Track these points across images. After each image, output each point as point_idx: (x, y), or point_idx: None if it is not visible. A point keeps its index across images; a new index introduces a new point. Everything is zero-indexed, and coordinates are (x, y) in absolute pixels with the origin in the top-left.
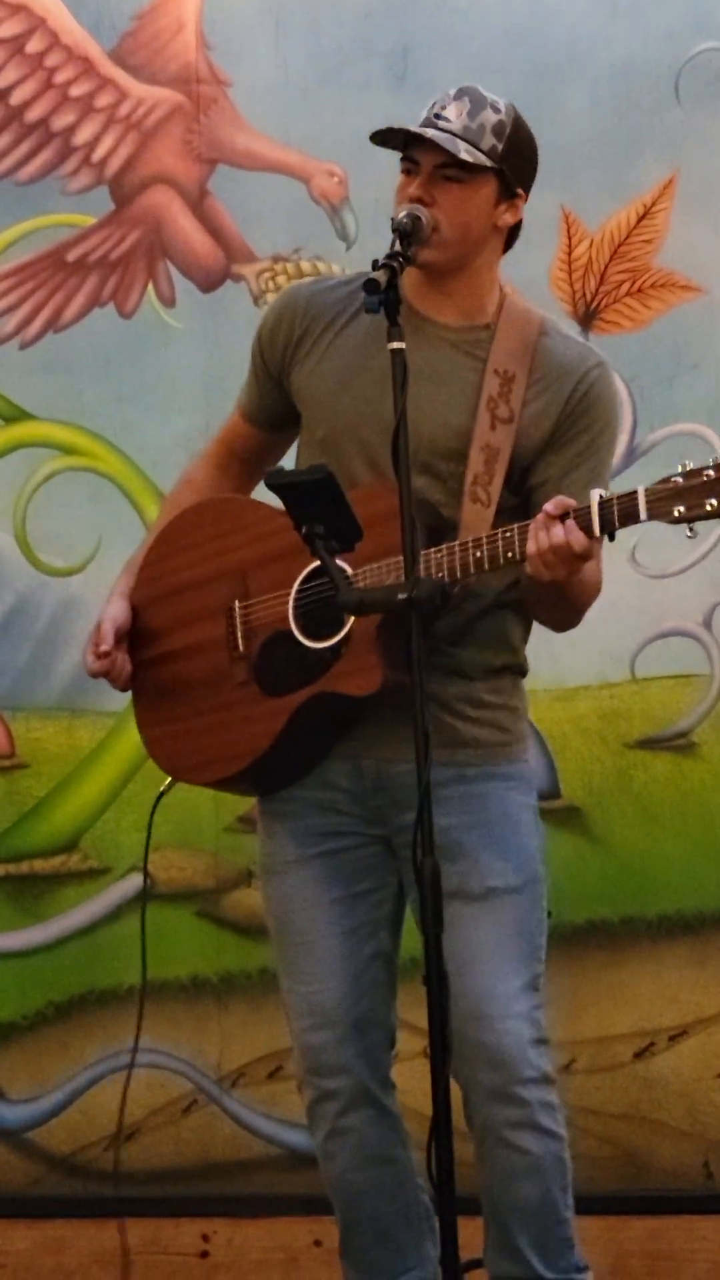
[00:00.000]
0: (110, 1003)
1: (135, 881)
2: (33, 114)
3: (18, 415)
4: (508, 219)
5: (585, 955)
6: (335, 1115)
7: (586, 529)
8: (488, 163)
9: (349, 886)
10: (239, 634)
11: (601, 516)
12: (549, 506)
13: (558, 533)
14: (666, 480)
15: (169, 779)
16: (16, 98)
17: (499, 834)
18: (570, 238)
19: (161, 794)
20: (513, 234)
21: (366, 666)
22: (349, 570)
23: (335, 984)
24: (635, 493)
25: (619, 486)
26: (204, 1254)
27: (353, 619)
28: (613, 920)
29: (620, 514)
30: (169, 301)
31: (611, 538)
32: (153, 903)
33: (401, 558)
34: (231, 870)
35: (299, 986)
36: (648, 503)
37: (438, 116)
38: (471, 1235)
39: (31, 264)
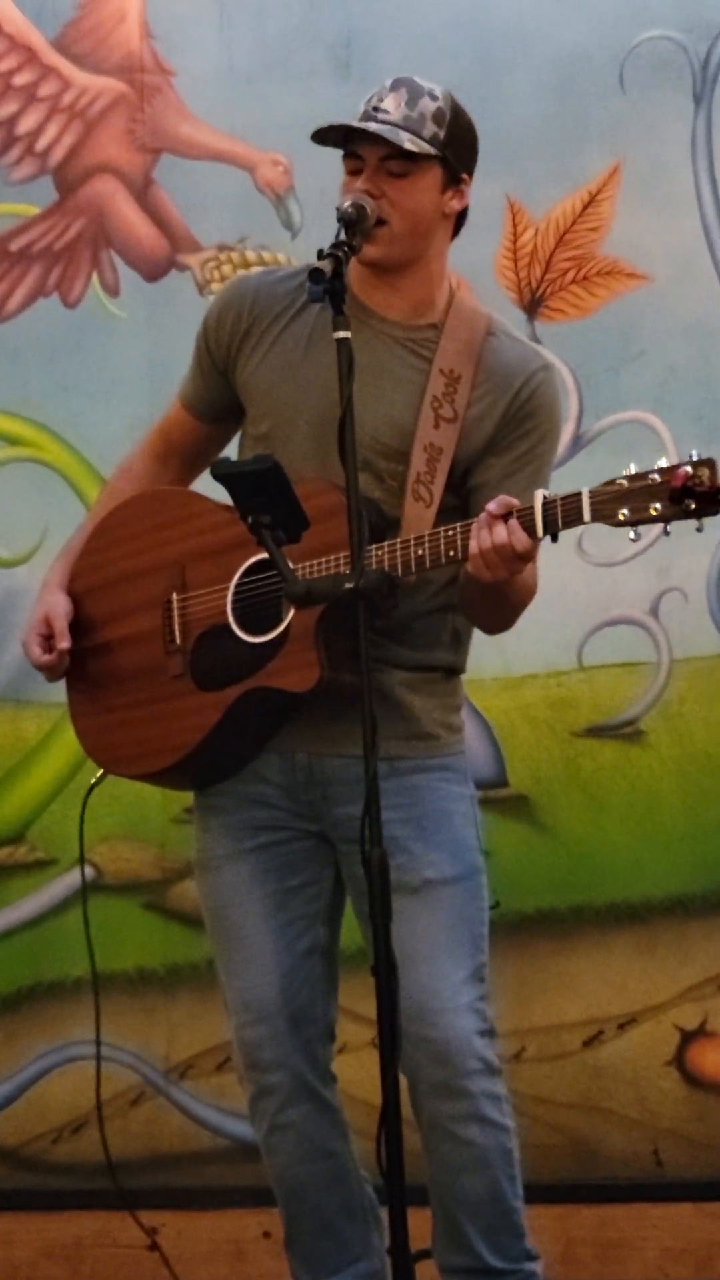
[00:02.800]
0: (58, 995)
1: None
2: None
3: None
4: (455, 205)
5: (533, 944)
6: (275, 1110)
7: (529, 529)
8: (431, 151)
9: (282, 881)
10: (175, 627)
11: (545, 517)
12: (492, 506)
13: (500, 532)
14: (611, 482)
15: (100, 772)
16: None
17: (433, 826)
18: (515, 226)
19: (94, 785)
20: (460, 220)
21: (304, 663)
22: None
23: (270, 979)
24: (579, 494)
25: (564, 475)
26: (152, 1246)
27: (291, 615)
28: (561, 909)
29: (564, 515)
30: (113, 291)
31: (554, 539)
32: (99, 894)
33: (340, 555)
34: (179, 861)
35: (235, 981)
36: (592, 505)
37: (376, 109)
38: (420, 1225)
39: None
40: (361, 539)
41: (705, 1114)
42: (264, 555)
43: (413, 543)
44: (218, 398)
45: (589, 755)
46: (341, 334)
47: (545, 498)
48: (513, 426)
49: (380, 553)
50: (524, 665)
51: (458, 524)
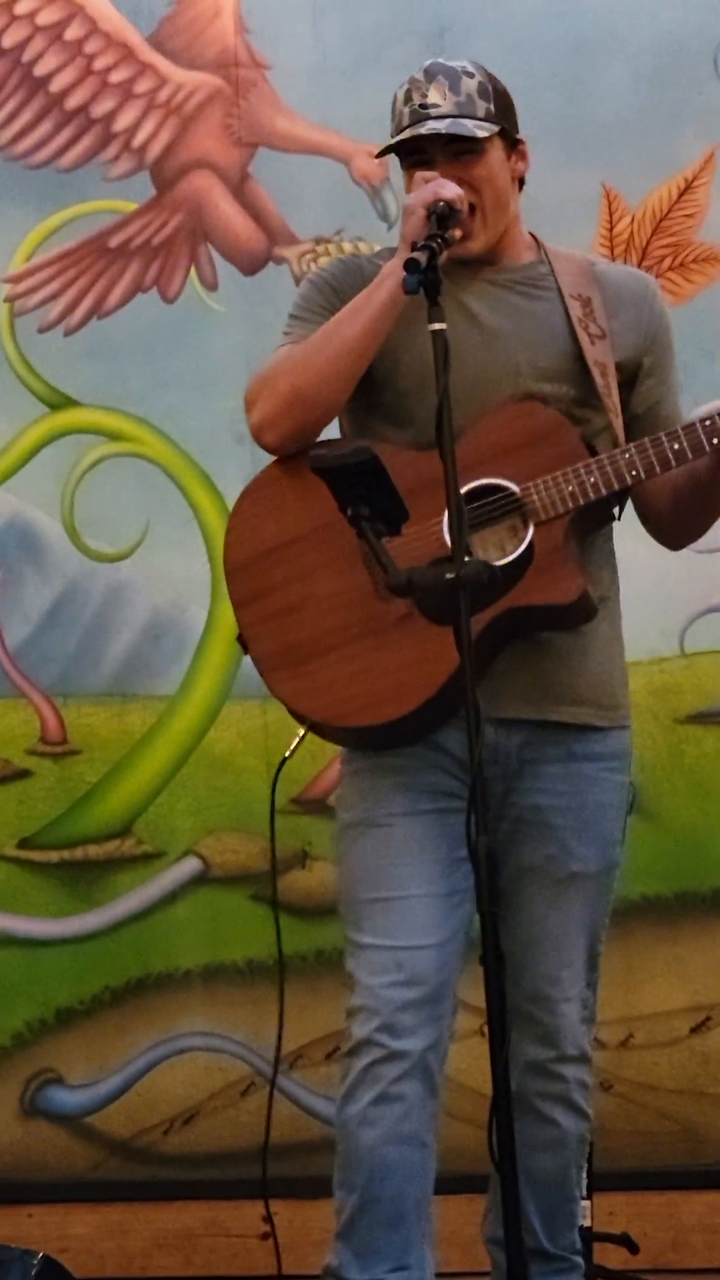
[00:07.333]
0: (166, 987)
1: (189, 865)
2: (73, 101)
3: (63, 402)
4: (521, 167)
5: (640, 931)
6: (391, 1079)
7: None
8: (494, 129)
9: (451, 851)
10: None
11: None
12: None
13: None
14: None
15: (294, 744)
16: (56, 85)
17: (591, 819)
18: (611, 214)
19: (285, 758)
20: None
21: (563, 575)
22: (515, 488)
23: (429, 944)
24: None
25: None
26: (265, 1235)
27: (533, 532)
28: (667, 895)
29: None
30: (211, 285)
31: None
32: (207, 886)
33: (578, 466)
34: (286, 852)
35: (387, 941)
36: None
37: (424, 106)
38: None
39: (74, 251)
40: (463, 530)
41: None
42: (476, 484)
43: (665, 439)
44: None
45: (693, 742)
46: (437, 326)
47: None
48: (656, 343)
49: (628, 456)
50: (627, 653)
51: (712, 413)
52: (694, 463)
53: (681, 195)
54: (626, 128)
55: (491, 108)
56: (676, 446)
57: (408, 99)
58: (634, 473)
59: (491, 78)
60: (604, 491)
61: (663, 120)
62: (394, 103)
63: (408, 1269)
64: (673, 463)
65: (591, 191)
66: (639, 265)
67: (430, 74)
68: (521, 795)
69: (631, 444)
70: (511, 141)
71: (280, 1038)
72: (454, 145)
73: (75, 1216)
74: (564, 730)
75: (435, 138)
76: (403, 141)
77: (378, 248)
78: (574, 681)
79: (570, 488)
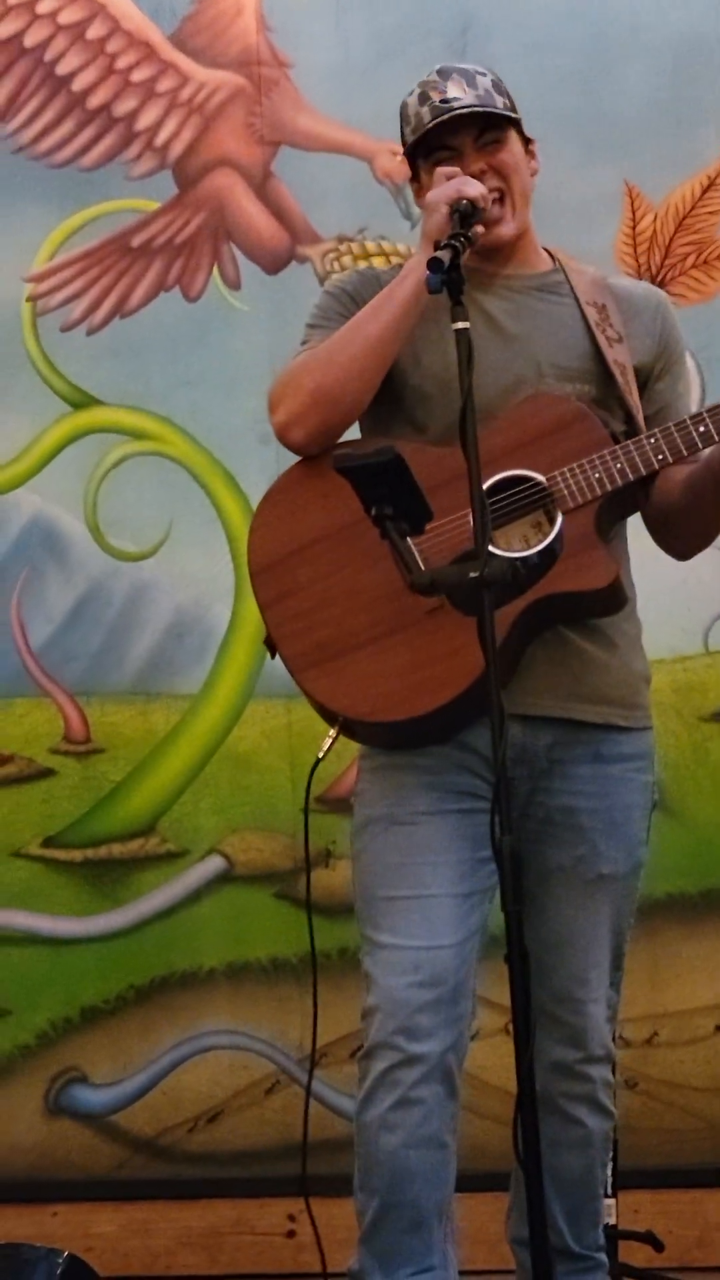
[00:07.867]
0: (190, 985)
1: (213, 864)
2: (95, 100)
3: (85, 401)
4: (535, 166)
5: (665, 928)
6: (411, 1083)
7: None
8: (515, 115)
9: (474, 851)
10: (420, 564)
11: None
12: None
13: None
14: None
15: (327, 744)
16: (79, 84)
17: (620, 820)
18: (634, 211)
19: (319, 759)
20: None
21: (596, 559)
22: (541, 478)
23: (448, 944)
24: None
25: None
26: (290, 1233)
27: (561, 521)
28: (692, 893)
29: None
30: (234, 284)
31: None
32: (231, 884)
33: (594, 456)
34: (310, 850)
35: (407, 940)
36: None
37: (444, 101)
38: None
39: (96, 250)
40: (486, 527)
41: None
42: (501, 476)
43: (690, 422)
44: None
45: (717, 740)
46: (461, 325)
47: None
48: (668, 349)
49: (655, 439)
50: (650, 651)
51: None
52: (710, 455)
53: (704, 192)
54: (648, 125)
55: (507, 101)
56: (703, 429)
57: (423, 100)
58: (660, 457)
59: (502, 80)
60: (631, 477)
61: (684, 117)
62: (404, 109)
63: (431, 1270)
64: (699, 445)
65: (614, 189)
66: (662, 263)
67: (444, 73)
68: (550, 796)
69: (656, 429)
70: (525, 139)
71: (315, 1037)
72: (483, 135)
73: (100, 1215)
74: (591, 730)
75: (463, 128)
76: (424, 141)
77: (400, 246)
78: (601, 681)
79: (597, 474)
